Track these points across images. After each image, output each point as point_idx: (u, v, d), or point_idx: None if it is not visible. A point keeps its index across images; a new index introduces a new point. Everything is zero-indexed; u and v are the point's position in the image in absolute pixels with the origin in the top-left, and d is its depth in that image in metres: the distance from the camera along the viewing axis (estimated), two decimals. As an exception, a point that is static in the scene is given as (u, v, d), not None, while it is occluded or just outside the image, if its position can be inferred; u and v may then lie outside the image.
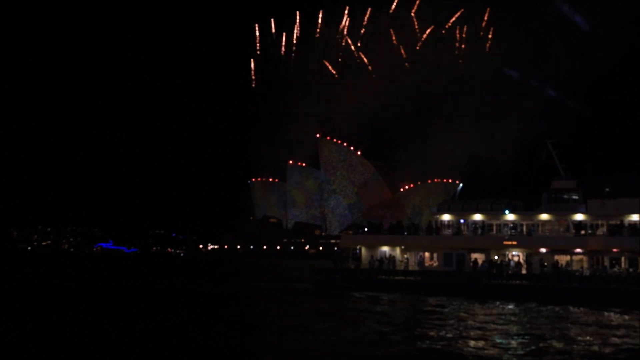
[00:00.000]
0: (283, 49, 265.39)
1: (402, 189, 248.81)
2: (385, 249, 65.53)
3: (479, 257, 60.73)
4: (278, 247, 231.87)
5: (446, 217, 64.92)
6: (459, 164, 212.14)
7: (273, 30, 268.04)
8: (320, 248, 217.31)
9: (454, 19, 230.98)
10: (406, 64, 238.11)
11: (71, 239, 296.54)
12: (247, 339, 33.02)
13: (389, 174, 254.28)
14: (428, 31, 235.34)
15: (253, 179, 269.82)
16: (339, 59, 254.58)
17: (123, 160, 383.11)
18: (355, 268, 65.28)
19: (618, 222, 56.98)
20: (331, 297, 56.56)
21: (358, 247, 67.76)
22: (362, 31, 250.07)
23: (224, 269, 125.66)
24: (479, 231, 62.73)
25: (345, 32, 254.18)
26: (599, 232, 57.69)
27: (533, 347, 30.07)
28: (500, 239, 61.10)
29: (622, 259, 55.64)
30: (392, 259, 64.32)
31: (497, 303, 51.70)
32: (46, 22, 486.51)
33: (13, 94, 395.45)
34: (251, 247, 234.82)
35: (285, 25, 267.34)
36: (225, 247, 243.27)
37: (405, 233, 67.71)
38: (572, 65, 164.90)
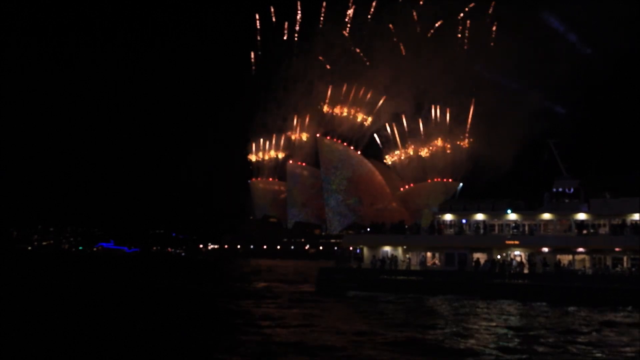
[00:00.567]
0: (285, 36, 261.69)
1: (401, 189, 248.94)
2: (387, 248, 65.49)
3: (481, 256, 60.79)
4: (278, 247, 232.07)
5: (448, 217, 64.99)
6: (459, 163, 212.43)
7: (274, 19, 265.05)
8: (321, 248, 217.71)
9: (461, 15, 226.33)
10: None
11: (71, 239, 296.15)
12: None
13: (388, 173, 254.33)
14: (432, 31, 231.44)
15: (253, 179, 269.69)
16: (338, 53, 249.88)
17: (123, 160, 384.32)
18: (357, 268, 65.04)
19: (620, 222, 56.96)
20: (333, 297, 56.77)
21: (360, 246, 67.61)
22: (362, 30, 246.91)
23: (224, 270, 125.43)
24: (481, 231, 62.86)
25: (348, 25, 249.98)
26: (601, 231, 57.70)
27: (533, 346, 30.27)
28: (502, 239, 61.17)
29: (625, 258, 55.62)
30: (394, 258, 64.31)
31: (499, 302, 51.73)
32: (46, 22, 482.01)
33: (13, 94, 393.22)
34: (251, 246, 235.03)
35: (287, 15, 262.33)
36: (226, 246, 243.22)
37: (407, 233, 67.81)
38: (571, 67, 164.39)
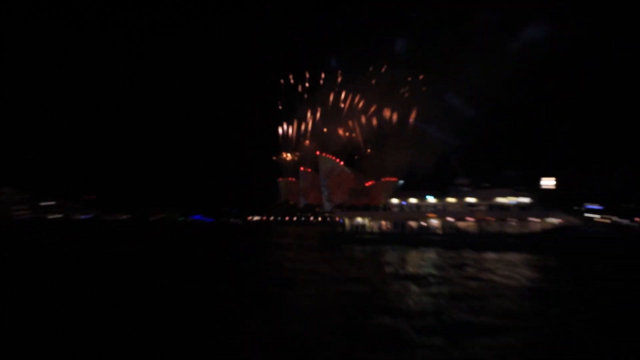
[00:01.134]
0: (300, 88, 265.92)
1: (366, 184, 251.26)
2: (359, 219, 66.40)
3: (413, 223, 62.03)
4: (294, 219, 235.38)
5: (394, 200, 66.30)
6: (402, 169, 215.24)
7: (291, 81, 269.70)
8: (319, 219, 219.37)
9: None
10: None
11: (179, 214, 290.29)
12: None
13: (359, 175, 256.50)
14: (373, 108, 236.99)
15: (280, 178, 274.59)
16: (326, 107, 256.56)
17: (207, 161, 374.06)
18: (342, 231, 65.78)
19: (492, 203, 58.89)
20: (328, 248, 55.95)
21: (343, 218, 68.05)
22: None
23: (265, 231, 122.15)
24: (413, 209, 64.05)
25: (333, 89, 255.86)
26: (481, 208, 59.04)
27: (440, 270, 31.05)
28: (425, 213, 62.19)
29: (493, 223, 56.88)
30: (363, 225, 65.39)
31: (425, 250, 50.57)
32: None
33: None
34: (278, 218, 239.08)
35: (300, 78, 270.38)
36: (264, 218, 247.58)
37: (372, 210, 69.55)
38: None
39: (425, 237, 58.14)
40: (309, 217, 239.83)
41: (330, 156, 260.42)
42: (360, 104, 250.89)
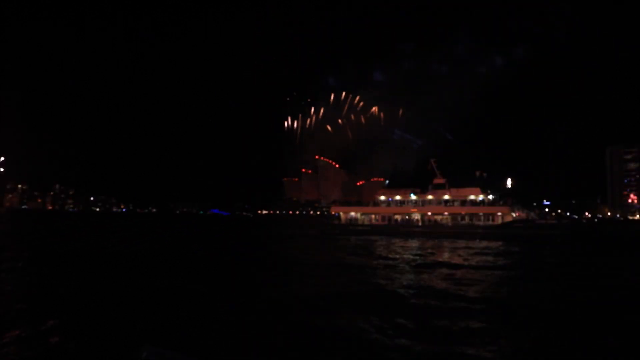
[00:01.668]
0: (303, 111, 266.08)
1: (357, 184, 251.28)
2: (353, 213, 65.62)
3: (399, 217, 61.58)
4: (297, 212, 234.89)
5: (382, 197, 65.36)
6: (387, 171, 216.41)
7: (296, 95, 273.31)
8: (318, 213, 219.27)
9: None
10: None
11: (200, 209, 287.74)
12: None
13: (351, 176, 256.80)
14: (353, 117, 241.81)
15: (285, 179, 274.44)
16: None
17: (223, 162, 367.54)
18: (338, 223, 65.20)
19: (464, 199, 58.64)
20: (327, 238, 54.89)
21: (339, 212, 67.26)
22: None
23: (274, 222, 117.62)
24: (398, 204, 63.32)
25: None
26: (456, 204, 58.72)
27: (421, 256, 30.81)
28: (408, 208, 61.72)
29: (466, 217, 56.82)
30: (356, 218, 64.76)
31: (408, 240, 49.66)
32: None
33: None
34: (284, 212, 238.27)
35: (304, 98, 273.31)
36: (271, 212, 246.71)
37: (363, 205, 68.17)
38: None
39: (409, 230, 57.50)
40: (309, 211, 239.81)
41: (328, 160, 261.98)
42: (352, 117, 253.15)
